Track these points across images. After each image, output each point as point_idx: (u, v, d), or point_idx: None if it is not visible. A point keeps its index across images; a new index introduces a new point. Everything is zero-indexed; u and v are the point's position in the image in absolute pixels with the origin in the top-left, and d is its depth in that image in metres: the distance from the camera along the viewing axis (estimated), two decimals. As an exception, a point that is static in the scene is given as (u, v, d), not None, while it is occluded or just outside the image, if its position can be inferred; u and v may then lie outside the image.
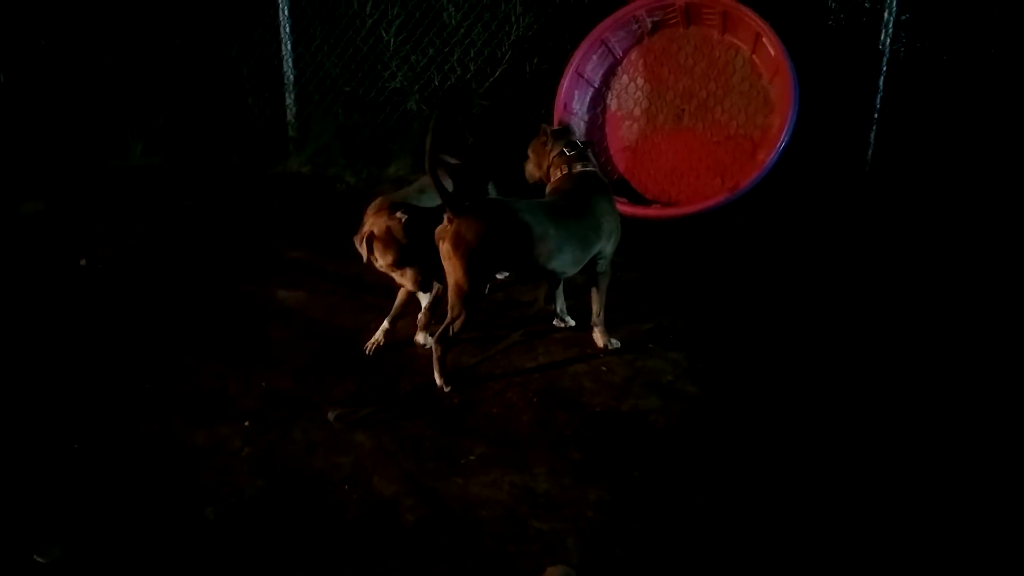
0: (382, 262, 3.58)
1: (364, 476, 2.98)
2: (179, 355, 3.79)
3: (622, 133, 5.71)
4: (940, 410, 3.44)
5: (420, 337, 3.86)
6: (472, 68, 6.55)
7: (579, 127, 5.70)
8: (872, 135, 5.75)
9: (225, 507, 2.79)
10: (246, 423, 3.28)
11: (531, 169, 4.06)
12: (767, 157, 4.74)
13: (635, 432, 3.29)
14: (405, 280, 3.65)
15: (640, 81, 5.55)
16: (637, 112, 5.63)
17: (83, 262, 4.75)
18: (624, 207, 5.26)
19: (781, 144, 4.69)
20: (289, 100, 6.96)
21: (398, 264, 3.57)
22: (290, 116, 7.01)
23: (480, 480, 2.98)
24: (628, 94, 5.62)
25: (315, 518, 2.76)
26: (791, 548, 2.66)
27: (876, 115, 5.72)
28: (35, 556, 2.55)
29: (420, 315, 3.89)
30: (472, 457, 3.12)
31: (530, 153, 4.06)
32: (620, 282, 4.57)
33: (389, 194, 3.83)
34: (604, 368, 3.78)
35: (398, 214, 3.54)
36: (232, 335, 4.00)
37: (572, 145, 3.87)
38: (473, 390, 3.57)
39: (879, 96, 5.70)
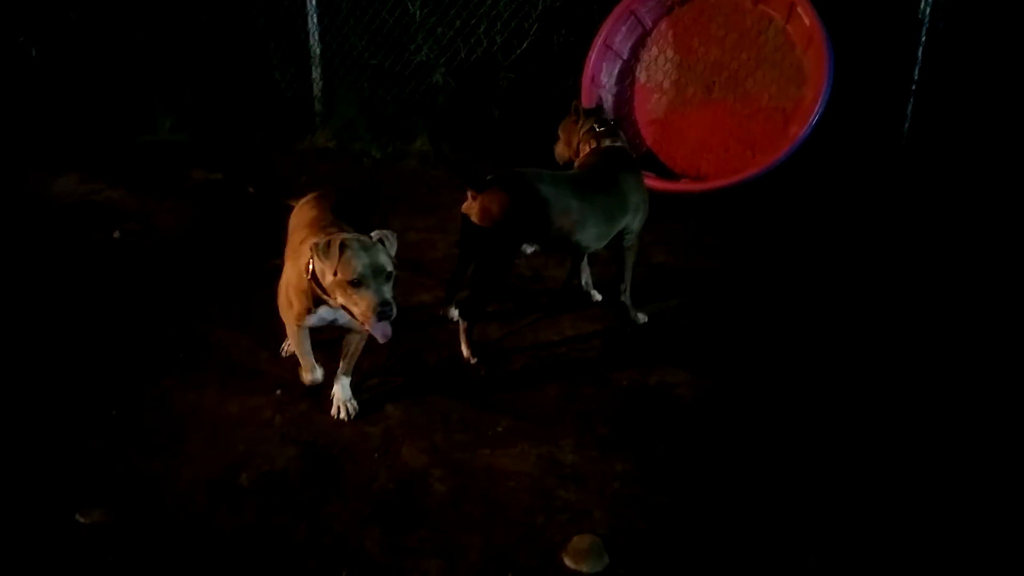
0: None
1: (394, 446, 3.01)
2: (211, 327, 3.84)
3: (650, 106, 5.65)
4: (973, 379, 3.41)
5: (451, 312, 3.87)
6: (499, 40, 6.51)
7: (607, 100, 5.66)
8: (909, 108, 5.64)
9: (258, 474, 2.84)
10: (278, 392, 3.33)
11: (560, 149, 4.05)
12: (799, 130, 4.67)
13: (662, 406, 3.30)
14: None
15: (670, 53, 5.49)
16: (666, 84, 5.57)
17: (116, 235, 4.81)
18: (652, 181, 5.22)
19: (814, 117, 4.62)
20: (315, 74, 6.97)
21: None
22: (316, 90, 7.02)
23: (507, 452, 3.00)
24: (657, 66, 5.56)
25: (346, 487, 2.79)
26: (815, 520, 2.66)
27: (914, 87, 5.60)
28: (77, 516, 2.62)
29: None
30: (499, 429, 3.14)
31: (560, 133, 4.04)
32: (648, 257, 4.56)
33: None
34: (631, 342, 3.78)
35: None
36: (262, 308, 4.03)
37: (602, 122, 3.85)
38: (499, 363, 3.59)
39: (917, 67, 5.58)
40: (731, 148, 5.26)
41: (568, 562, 2.48)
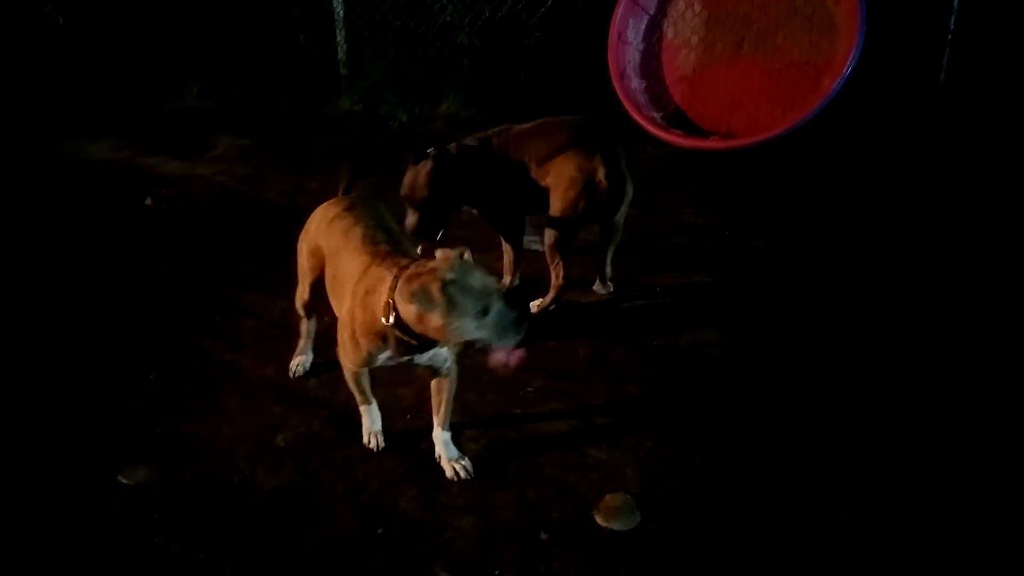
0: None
1: (426, 407, 3.04)
2: (245, 290, 3.89)
3: (679, 63, 5.55)
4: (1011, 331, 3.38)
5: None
6: (523, -1, 6.43)
7: (633, 57, 5.57)
8: (945, 58, 5.49)
9: (295, 435, 2.90)
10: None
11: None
12: (832, 83, 4.57)
13: (693, 366, 3.30)
14: None
15: (698, 7, 5.38)
16: (694, 40, 5.46)
17: (148, 201, 4.87)
18: (681, 139, 5.18)
19: (847, 69, 4.52)
20: (340, 37, 6.93)
21: None
22: (341, 54, 6.99)
23: (539, 411, 3.03)
24: (685, 21, 5.45)
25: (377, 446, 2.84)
26: (847, 478, 2.66)
27: (950, 36, 5.45)
28: (120, 477, 2.69)
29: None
30: (530, 389, 3.17)
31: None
32: (677, 216, 4.54)
33: None
34: (661, 304, 3.77)
35: None
36: (295, 273, 4.08)
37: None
38: (533, 324, 3.59)
39: (953, 16, 5.42)
40: (761, 104, 5.17)
41: (600, 520, 2.51)
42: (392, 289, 2.35)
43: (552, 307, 3.65)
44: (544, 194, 3.48)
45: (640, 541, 2.44)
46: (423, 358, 2.57)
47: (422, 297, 2.25)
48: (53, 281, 4.01)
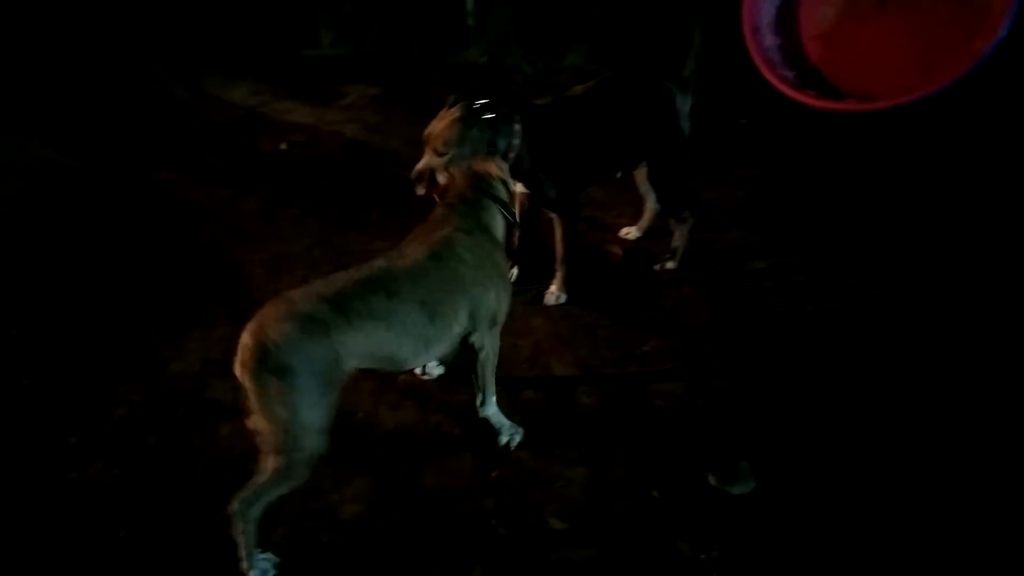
0: None
1: (542, 359, 3.12)
2: (372, 236, 4.02)
3: (817, 18, 5.30)
4: None
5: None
6: (657, -51, 6.25)
7: (769, 13, 5.36)
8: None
9: (416, 378, 3.01)
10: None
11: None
12: (984, 45, 4.28)
13: (817, 334, 3.23)
14: None
15: (841, -39, 5.12)
16: (836, -4, 5.20)
17: (283, 146, 5.07)
18: (814, 100, 4.98)
19: (1003, 30, 4.22)
20: (468, -13, 6.95)
21: None
22: (470, 5, 7.00)
23: (655, 371, 3.05)
24: (827, -25, 5.19)
25: (497, 394, 2.92)
26: (970, 455, 2.58)
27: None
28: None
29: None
30: (646, 348, 3.18)
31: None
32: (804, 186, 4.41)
33: None
34: (786, 269, 3.69)
35: None
36: (420, 220, 4.19)
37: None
38: (649, 284, 3.60)
39: None
40: (905, 65, 4.89)
41: (714, 482, 2.52)
42: None
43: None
44: (622, 155, 3.42)
45: (752, 506, 2.45)
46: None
47: None
48: (196, 216, 4.25)
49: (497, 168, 2.68)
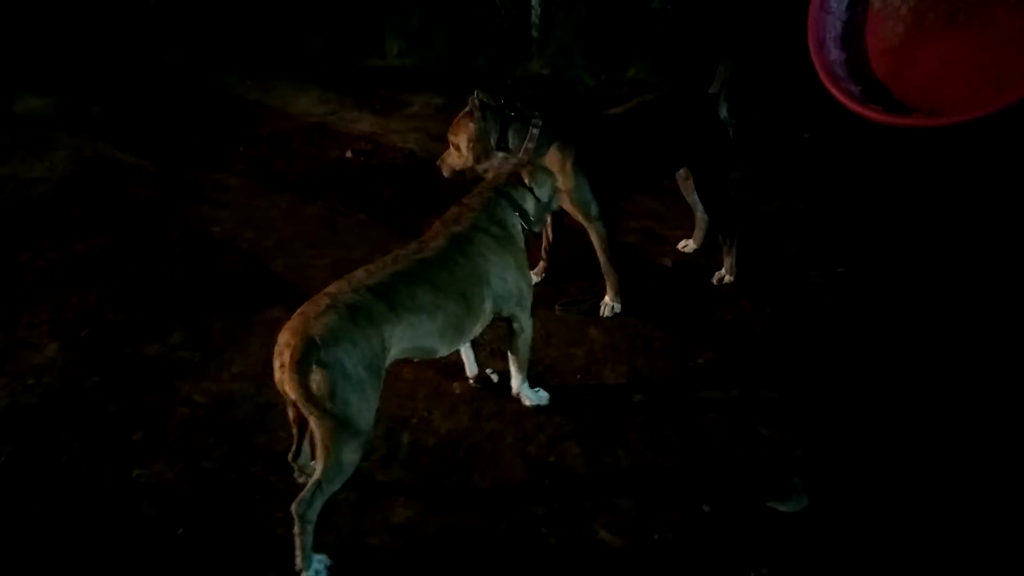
0: None
1: (595, 368, 3.13)
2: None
3: (883, 34, 5.18)
4: None
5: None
6: (724, -37, 6.23)
7: (835, 27, 5.28)
8: None
9: (470, 384, 3.06)
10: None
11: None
12: (1059, 62, 4.17)
13: (876, 352, 3.18)
14: None
15: (910, -26, 5.03)
16: (904, 10, 5.08)
17: (349, 154, 5.19)
18: (879, 115, 4.89)
19: (1078, 48, 4.10)
20: (534, 1, 7.01)
21: None
22: (534, 17, 7.06)
23: (709, 383, 3.04)
24: (895, -11, 5.11)
25: (550, 402, 2.95)
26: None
27: None
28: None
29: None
30: (700, 361, 3.17)
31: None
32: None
33: None
34: (845, 285, 3.64)
35: None
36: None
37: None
38: (707, 296, 3.58)
39: None
40: (973, 81, 4.75)
41: (765, 499, 2.50)
42: None
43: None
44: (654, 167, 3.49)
45: (805, 524, 2.42)
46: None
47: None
48: (261, 221, 4.37)
49: (529, 176, 2.80)
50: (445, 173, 3.38)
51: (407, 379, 3.09)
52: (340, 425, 2.16)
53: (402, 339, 2.35)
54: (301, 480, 2.52)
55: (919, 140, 4.87)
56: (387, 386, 3.03)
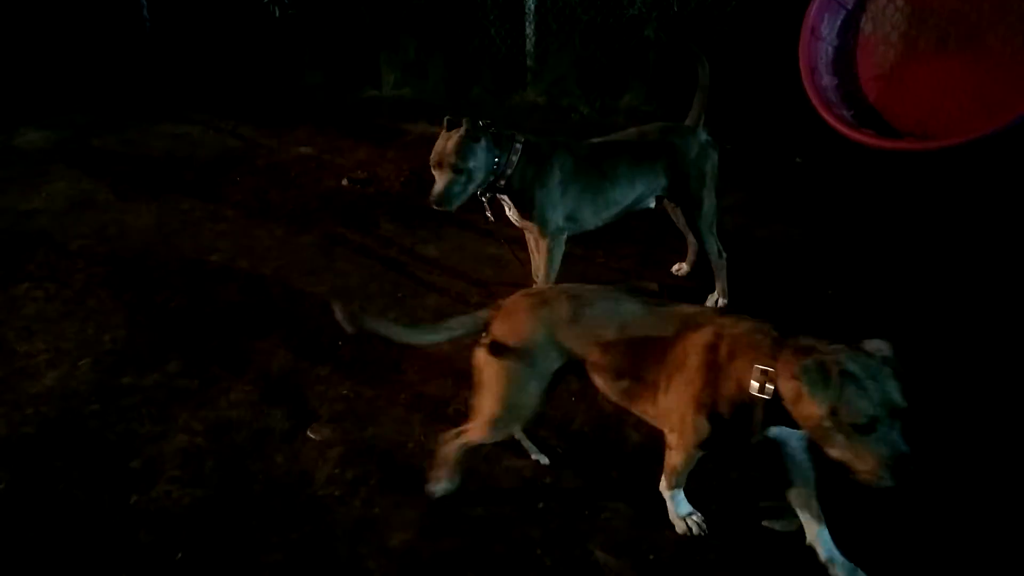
0: None
1: (591, 391, 3.11)
2: (430, 269, 4.12)
3: (875, 60, 5.32)
4: None
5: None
6: (714, -9, 6.34)
7: (827, 53, 5.39)
8: None
9: (466, 408, 3.03)
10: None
11: None
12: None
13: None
14: None
15: (900, 2, 5.13)
16: (894, 37, 5.21)
17: (345, 182, 5.25)
18: (871, 139, 4.97)
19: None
20: (529, 30, 7.11)
21: None
22: (529, 46, 7.17)
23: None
24: (885, 16, 5.21)
25: (545, 425, 2.95)
26: None
27: None
28: (308, 433, 2.97)
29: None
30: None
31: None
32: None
33: None
34: (840, 309, 3.65)
35: None
36: (474, 255, 4.28)
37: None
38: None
39: None
40: (964, 105, 4.86)
41: (759, 518, 2.51)
42: (770, 357, 2.11)
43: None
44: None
45: (797, 544, 2.41)
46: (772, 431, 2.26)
47: (815, 375, 1.97)
48: (258, 249, 4.40)
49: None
50: (452, 207, 3.35)
51: (403, 403, 3.11)
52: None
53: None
54: None
55: (911, 164, 4.93)
56: (384, 411, 3.07)
